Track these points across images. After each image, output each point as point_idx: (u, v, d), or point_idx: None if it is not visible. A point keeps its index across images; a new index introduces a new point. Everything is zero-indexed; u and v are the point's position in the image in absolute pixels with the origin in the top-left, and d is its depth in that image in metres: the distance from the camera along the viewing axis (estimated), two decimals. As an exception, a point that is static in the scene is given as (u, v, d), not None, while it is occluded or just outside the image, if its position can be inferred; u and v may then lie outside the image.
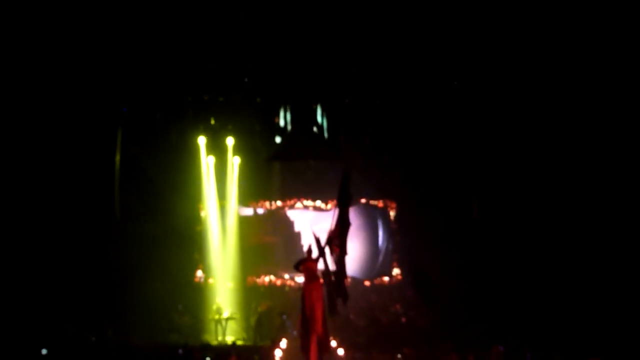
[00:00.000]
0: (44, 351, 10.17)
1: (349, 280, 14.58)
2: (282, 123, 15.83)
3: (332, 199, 20.02)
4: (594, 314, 11.69)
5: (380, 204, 20.26)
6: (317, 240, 10.22)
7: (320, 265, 10.14)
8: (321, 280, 9.89)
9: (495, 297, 14.52)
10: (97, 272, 13.47)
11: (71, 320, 12.61)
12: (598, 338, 10.49)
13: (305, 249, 10.65)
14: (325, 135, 15.30)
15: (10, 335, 10.11)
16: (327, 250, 9.96)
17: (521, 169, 13.75)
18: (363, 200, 20.19)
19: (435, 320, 15.48)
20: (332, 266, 10.17)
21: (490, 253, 14.89)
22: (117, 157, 12.86)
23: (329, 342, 10.06)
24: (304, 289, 10.06)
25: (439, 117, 15.55)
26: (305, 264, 10.07)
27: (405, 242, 19.50)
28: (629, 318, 10.94)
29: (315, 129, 15.40)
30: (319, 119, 15.52)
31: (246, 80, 14.10)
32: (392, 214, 20.16)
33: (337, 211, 10.21)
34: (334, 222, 10.08)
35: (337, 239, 9.86)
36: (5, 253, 10.78)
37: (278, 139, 16.35)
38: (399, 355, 9.42)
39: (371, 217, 20.27)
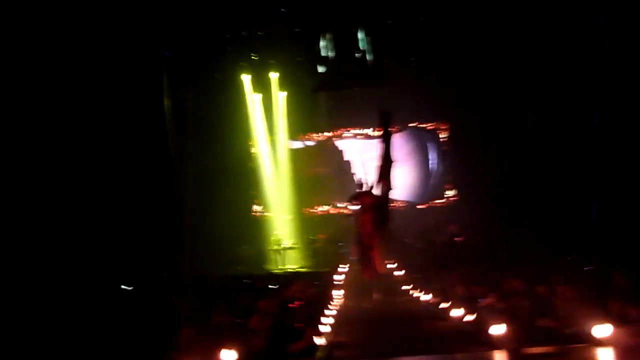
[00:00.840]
0: (125, 287, 11.04)
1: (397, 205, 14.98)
2: (323, 52, 15.44)
3: (380, 125, 19.85)
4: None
5: (430, 126, 19.89)
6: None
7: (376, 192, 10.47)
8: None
9: (554, 213, 14.20)
10: (162, 212, 14.13)
11: (145, 259, 13.48)
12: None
13: (356, 180, 10.92)
14: (369, 60, 14.83)
15: (91, 274, 10.95)
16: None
17: (578, 76, 12.89)
18: (413, 124, 19.88)
19: (489, 241, 15.47)
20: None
21: (548, 165, 14.36)
22: (166, 102, 13.10)
23: (384, 263, 10.83)
24: (358, 219, 10.81)
25: (486, 30, 14.63)
26: (359, 197, 10.74)
27: (456, 163, 19.24)
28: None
29: (358, 54, 14.94)
30: (361, 43, 15.01)
31: (283, 10, 13.68)
32: (442, 135, 19.80)
33: (381, 147, 10.13)
34: (379, 160, 10.57)
35: (384, 175, 10.38)
36: (76, 197, 11.43)
37: (321, 69, 16.05)
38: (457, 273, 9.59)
39: (422, 141, 20.00)
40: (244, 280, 11.12)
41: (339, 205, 19.60)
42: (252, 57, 16.08)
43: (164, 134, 13.23)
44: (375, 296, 10.72)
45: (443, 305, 8.48)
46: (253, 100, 17.62)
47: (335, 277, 12.66)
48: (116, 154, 12.15)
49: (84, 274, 10.24)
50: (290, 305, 7.94)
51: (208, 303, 8.51)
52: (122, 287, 10.89)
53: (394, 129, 10.59)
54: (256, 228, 18.41)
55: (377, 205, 10.56)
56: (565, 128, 13.40)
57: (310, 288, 10.43)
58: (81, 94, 11.18)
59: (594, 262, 8.37)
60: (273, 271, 15.58)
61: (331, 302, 10.03)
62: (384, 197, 10.71)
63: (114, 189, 12.45)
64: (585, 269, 7.70)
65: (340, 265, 14.65)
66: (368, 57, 14.99)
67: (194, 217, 15.34)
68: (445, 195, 19.47)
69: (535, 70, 13.76)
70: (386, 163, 10.74)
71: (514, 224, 14.95)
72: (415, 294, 10.60)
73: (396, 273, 13.43)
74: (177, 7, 12.52)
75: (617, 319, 4.53)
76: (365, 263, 10.63)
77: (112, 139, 11.95)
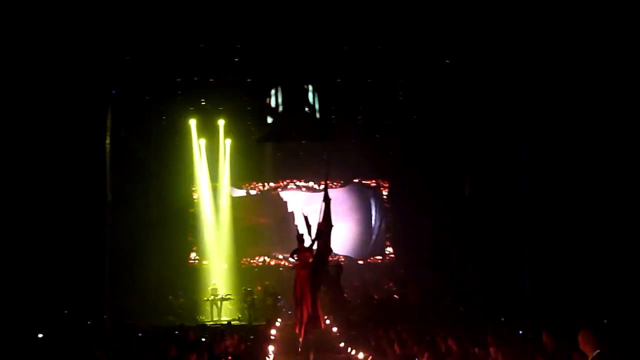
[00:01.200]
0: (40, 335, 10.22)
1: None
2: (273, 104, 15.67)
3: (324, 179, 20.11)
4: (587, 290, 11.80)
5: (372, 183, 20.36)
6: (306, 219, 11.00)
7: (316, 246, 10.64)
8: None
9: (487, 273, 14.68)
10: (91, 256, 13.43)
11: (67, 305, 12.62)
12: (593, 311, 10.63)
13: (297, 235, 11.22)
14: (317, 115, 15.19)
15: (7, 320, 10.10)
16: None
17: (513, 145, 13.77)
18: (356, 180, 20.29)
19: (426, 298, 15.69)
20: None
21: (482, 230, 15.00)
22: (107, 140, 12.69)
23: (321, 319, 10.69)
24: (297, 273, 10.85)
25: (431, 95, 15.50)
26: (299, 252, 10.82)
27: (397, 221, 19.67)
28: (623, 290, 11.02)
29: (307, 109, 15.28)
30: (311, 99, 15.40)
31: (236, 60, 13.87)
32: (384, 193, 20.29)
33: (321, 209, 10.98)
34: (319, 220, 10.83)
35: (322, 236, 10.59)
36: (6, 243, 10.71)
37: (270, 120, 16.23)
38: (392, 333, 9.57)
39: (364, 197, 20.39)
40: (175, 332, 10.56)
41: (279, 256, 19.35)
42: (202, 103, 16.04)
43: (102, 173, 12.72)
44: (311, 356, 10.39)
45: (379, 363, 8.37)
46: (199, 145, 17.43)
47: (271, 331, 12.28)
48: (48, 190, 11.55)
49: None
50: (221, 359, 7.60)
51: (132, 354, 7.99)
52: (39, 335, 10.08)
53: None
54: (192, 277, 17.75)
55: (316, 262, 10.70)
56: (499, 192, 14.13)
57: (244, 342, 10.06)
58: (18, 124, 10.69)
59: (525, 323, 8.62)
60: (206, 323, 14.93)
61: (265, 358, 9.66)
62: (324, 255, 10.85)
63: (40, 228, 11.75)
64: (519, 331, 7.91)
65: (278, 320, 14.27)
66: (316, 112, 15.35)
67: (126, 263, 14.65)
68: (385, 252, 19.70)
69: (472, 135, 14.55)
70: (326, 224, 10.79)
71: (451, 283, 15.29)
72: (352, 351, 10.42)
73: (333, 329, 13.22)
74: (129, 45, 12.40)
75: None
76: (298, 317, 10.55)
77: (43, 174, 11.39)
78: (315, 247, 10.71)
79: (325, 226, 10.79)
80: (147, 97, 15.19)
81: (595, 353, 4.36)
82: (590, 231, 11.84)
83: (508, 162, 13.83)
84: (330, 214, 10.98)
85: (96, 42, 11.86)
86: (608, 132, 11.39)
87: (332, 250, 11.23)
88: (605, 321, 8.22)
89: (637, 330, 6.83)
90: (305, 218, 11.03)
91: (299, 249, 10.85)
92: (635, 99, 10.91)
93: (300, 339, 10.54)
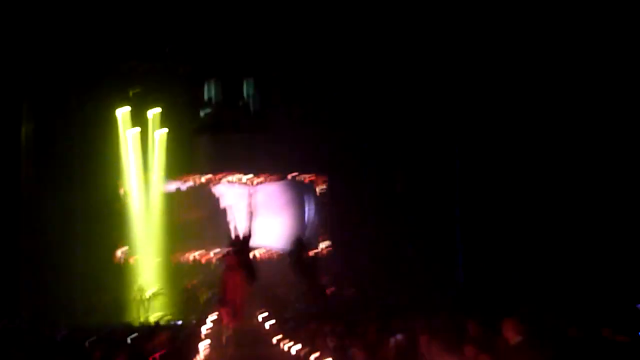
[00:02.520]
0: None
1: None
2: (206, 96, 15.29)
3: (259, 173, 19.91)
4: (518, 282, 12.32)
5: (308, 178, 20.38)
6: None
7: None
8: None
9: (420, 268, 15.14)
10: (5, 255, 12.54)
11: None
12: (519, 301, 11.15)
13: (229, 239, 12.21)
14: (252, 107, 14.98)
15: None
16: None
17: (445, 140, 14.24)
18: (292, 175, 20.23)
19: (361, 292, 15.95)
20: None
21: (415, 225, 15.44)
22: (24, 130, 11.82)
23: (243, 315, 11.70)
24: (224, 275, 11.72)
25: (366, 87, 15.66)
26: (226, 257, 12.08)
27: (331, 216, 19.83)
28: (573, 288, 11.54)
29: (241, 101, 15.04)
30: (246, 91, 15.16)
31: (167, 50, 13.36)
32: (320, 188, 20.37)
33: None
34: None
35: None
36: None
37: (203, 112, 15.81)
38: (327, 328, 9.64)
39: (300, 192, 20.36)
40: (98, 333, 10.04)
41: (212, 252, 18.94)
42: (131, 92, 15.33)
43: (16, 165, 11.83)
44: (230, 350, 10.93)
45: (313, 356, 8.39)
46: (127, 136, 16.64)
47: (203, 327, 11.99)
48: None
49: None
50: (149, 358, 7.32)
51: (52, 357, 7.53)
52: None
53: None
54: (118, 275, 16.97)
55: (242, 265, 11.54)
56: (432, 186, 14.56)
57: (174, 340, 9.76)
58: None
59: (454, 314, 8.94)
60: (134, 322, 14.34)
61: (197, 355, 9.41)
62: (248, 259, 12.00)
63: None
64: (447, 321, 8.17)
65: (210, 315, 13.96)
66: (252, 104, 15.13)
67: (44, 261, 13.80)
68: (319, 247, 19.80)
69: (406, 128, 14.85)
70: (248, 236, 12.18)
71: (386, 276, 15.62)
72: (286, 345, 10.39)
73: (267, 324, 13.13)
74: (54, 30, 11.61)
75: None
76: (225, 310, 11.28)
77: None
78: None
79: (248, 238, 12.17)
80: (74, 85, 14.29)
81: (517, 340, 4.57)
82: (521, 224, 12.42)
83: (440, 156, 14.28)
84: (251, 226, 12.41)
85: (13, 24, 11.02)
86: (539, 124, 11.93)
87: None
88: (525, 310, 8.67)
89: (558, 318, 7.26)
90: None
91: (227, 253, 12.09)
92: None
93: (226, 334, 11.08)
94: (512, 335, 4.61)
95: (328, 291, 16.33)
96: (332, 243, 19.70)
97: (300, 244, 15.61)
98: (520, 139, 12.18)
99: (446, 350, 5.20)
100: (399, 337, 6.47)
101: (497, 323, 5.61)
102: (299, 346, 9.52)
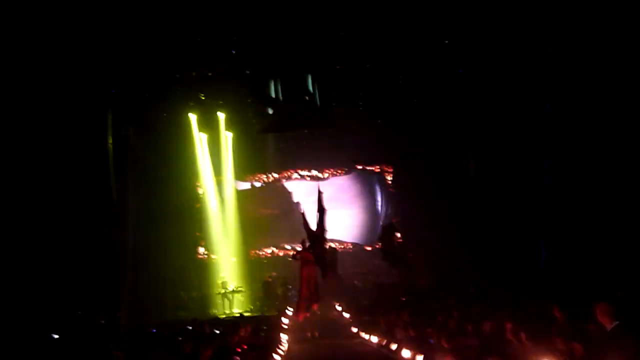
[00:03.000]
0: (55, 336, 10.29)
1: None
2: (273, 94, 15.59)
3: (328, 167, 20.11)
4: (587, 267, 11.80)
5: (376, 169, 20.31)
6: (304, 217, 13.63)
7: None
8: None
9: (491, 254, 14.67)
10: (99, 255, 13.51)
11: (81, 304, 12.72)
12: (597, 287, 10.65)
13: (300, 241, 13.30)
14: (318, 103, 15.11)
15: (22, 320, 10.19)
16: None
17: (516, 125, 13.67)
18: (359, 167, 20.25)
19: (434, 281, 15.72)
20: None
21: (488, 210, 14.96)
22: (110, 140, 12.68)
23: (318, 301, 12.83)
24: (301, 270, 12.92)
25: (431, 77, 15.37)
26: (301, 253, 12.96)
27: (403, 205, 19.63)
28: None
29: (306, 97, 15.20)
30: (310, 87, 15.31)
31: (233, 52, 13.77)
32: (389, 178, 20.24)
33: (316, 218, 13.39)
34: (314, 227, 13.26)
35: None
36: (15, 245, 10.76)
37: (270, 110, 16.16)
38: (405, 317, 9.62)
39: (369, 183, 20.35)
40: (187, 327, 10.62)
41: (286, 247, 19.39)
42: (201, 97, 15.99)
43: (106, 173, 12.74)
44: (313, 334, 12.24)
45: (392, 346, 8.42)
46: (200, 139, 17.40)
47: (283, 320, 12.36)
48: (56, 192, 11.58)
49: (11, 321, 9.47)
50: (237, 350, 7.65)
51: (147, 351, 8.04)
52: (53, 335, 10.14)
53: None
54: (201, 271, 17.83)
55: (316, 260, 12.81)
56: (508, 173, 14.01)
57: (257, 332, 10.13)
58: (24, 129, 10.69)
59: (539, 300, 8.63)
60: (219, 316, 15.02)
61: (279, 347, 9.73)
62: (322, 254, 13.17)
63: (51, 230, 11.81)
64: (531, 307, 7.92)
65: (288, 308, 14.35)
66: (316, 100, 15.27)
67: (135, 261, 14.73)
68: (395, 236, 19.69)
69: (479, 115, 14.39)
70: (321, 231, 13.33)
71: (461, 265, 15.28)
72: (365, 335, 10.49)
73: (345, 315, 13.30)
74: (126, 43, 12.34)
75: (563, 356, 4.65)
76: (300, 307, 12.58)
77: (51, 177, 11.42)
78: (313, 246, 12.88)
79: (321, 232, 13.15)
80: (146, 95, 15.14)
81: (613, 324, 4.38)
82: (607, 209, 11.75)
83: (515, 139, 13.69)
84: (324, 221, 13.39)
85: (92, 42, 11.81)
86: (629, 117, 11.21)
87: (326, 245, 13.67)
88: (619, 294, 8.23)
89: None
90: (304, 217, 13.62)
91: (301, 250, 13.06)
92: None
93: (300, 321, 12.50)
94: (607, 320, 4.41)
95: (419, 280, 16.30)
96: (405, 232, 19.56)
97: (390, 229, 16.08)
98: (615, 123, 11.44)
99: (535, 339, 5.07)
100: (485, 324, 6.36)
101: (583, 309, 5.40)
102: (378, 337, 9.60)
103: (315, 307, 12.73)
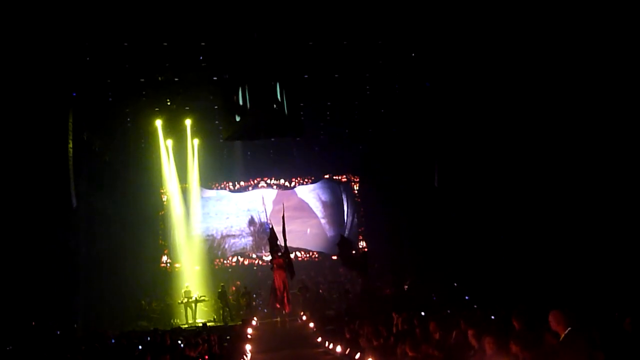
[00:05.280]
0: (8, 348, 9.88)
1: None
2: (240, 101, 15.48)
3: (295, 176, 20.10)
4: (548, 278, 12.16)
5: (343, 178, 20.44)
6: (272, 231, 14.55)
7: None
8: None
9: (456, 264, 14.93)
10: (58, 263, 13.06)
11: (36, 315, 12.24)
12: (556, 293, 10.96)
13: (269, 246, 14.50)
14: (286, 112, 15.11)
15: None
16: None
17: (481, 136, 14.01)
18: (327, 176, 20.33)
19: (401, 290, 15.84)
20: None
21: (452, 221, 15.24)
22: (70, 144, 12.27)
23: (290, 305, 14.15)
24: (274, 273, 14.19)
25: (398, 88, 15.61)
26: (274, 260, 14.33)
27: (369, 215, 19.80)
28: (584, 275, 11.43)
29: (275, 106, 15.18)
30: (278, 95, 15.29)
31: (201, 59, 13.63)
32: (355, 188, 20.39)
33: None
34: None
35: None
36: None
37: (237, 118, 16.04)
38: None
39: (335, 193, 20.44)
40: (147, 337, 10.36)
41: (252, 255, 19.23)
42: (167, 103, 15.73)
43: (65, 178, 12.31)
44: (279, 320, 13.98)
45: (356, 356, 8.41)
46: (166, 146, 17.09)
47: (248, 330, 12.21)
48: (10, 196, 11.14)
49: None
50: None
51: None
52: (6, 347, 9.73)
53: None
54: (164, 280, 17.47)
55: (285, 264, 14.10)
56: (472, 184, 14.32)
57: (220, 342, 9.96)
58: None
59: (495, 309, 8.81)
60: (181, 326, 14.71)
61: (243, 357, 9.60)
62: (288, 260, 14.37)
63: (5, 235, 11.34)
64: (492, 317, 8.07)
65: (254, 319, 14.20)
66: (284, 108, 15.26)
67: (94, 269, 14.31)
68: (358, 247, 19.81)
69: (445, 128, 14.68)
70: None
71: (424, 274, 15.48)
72: (330, 345, 10.46)
73: (310, 325, 13.24)
74: (90, 43, 12.04)
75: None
76: (275, 299, 13.99)
77: (6, 179, 10.98)
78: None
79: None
80: (110, 99, 14.81)
81: (567, 330, 4.50)
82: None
83: (477, 150, 14.04)
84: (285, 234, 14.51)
85: (54, 42, 11.47)
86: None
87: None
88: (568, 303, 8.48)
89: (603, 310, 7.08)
90: (272, 230, 14.58)
91: (273, 257, 14.45)
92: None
93: (277, 307, 14.00)
94: (561, 328, 4.54)
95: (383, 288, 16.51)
96: (370, 242, 19.70)
97: (345, 243, 16.55)
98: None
99: (496, 347, 5.15)
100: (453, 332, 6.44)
101: (540, 317, 5.54)
102: (343, 347, 9.58)
103: (287, 305, 13.98)
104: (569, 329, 4.50)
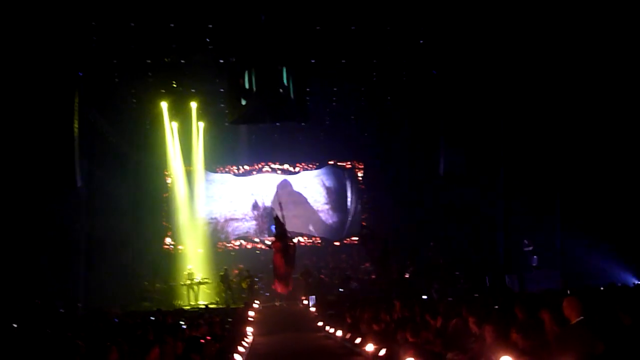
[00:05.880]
0: (14, 325, 9.97)
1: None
2: (247, 85, 15.41)
3: (299, 162, 20.08)
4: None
5: (347, 165, 20.40)
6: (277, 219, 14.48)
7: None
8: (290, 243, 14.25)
9: (460, 253, 14.94)
10: (62, 243, 13.13)
11: (40, 294, 12.34)
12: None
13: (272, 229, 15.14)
14: (292, 96, 15.05)
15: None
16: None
17: (486, 125, 13.93)
18: (331, 162, 20.30)
19: (402, 277, 15.87)
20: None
21: (456, 209, 15.21)
22: (76, 124, 12.26)
23: (290, 287, 14.29)
24: (274, 256, 14.18)
25: (405, 76, 15.50)
26: (274, 243, 14.34)
27: (372, 202, 19.78)
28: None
29: (281, 90, 15.11)
30: (285, 80, 15.21)
31: (208, 41, 13.55)
32: (359, 174, 20.36)
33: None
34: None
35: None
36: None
37: (243, 102, 15.98)
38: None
39: (339, 179, 20.42)
40: (150, 317, 10.45)
41: (255, 239, 19.30)
42: (173, 85, 15.68)
43: (70, 158, 12.33)
44: (278, 303, 14.68)
45: (356, 340, 8.48)
46: (171, 128, 17.08)
47: (249, 313, 12.30)
48: (14, 176, 11.17)
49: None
50: (200, 341, 7.54)
51: (108, 340, 7.87)
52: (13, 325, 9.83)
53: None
54: (168, 262, 17.57)
55: (285, 247, 14.08)
56: (476, 174, 14.30)
57: (222, 324, 10.04)
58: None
59: (500, 299, 8.83)
60: (184, 307, 14.84)
61: (244, 339, 9.68)
62: (286, 243, 14.26)
63: (7, 216, 11.39)
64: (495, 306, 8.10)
65: (255, 301, 14.29)
66: (290, 93, 15.20)
67: (99, 249, 14.38)
68: (360, 233, 19.84)
69: (450, 116, 14.61)
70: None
71: (426, 263, 15.49)
72: (330, 329, 10.53)
73: (311, 309, 13.33)
74: (96, 25, 11.97)
75: (518, 351, 4.77)
76: (277, 281, 14.13)
77: (11, 159, 11.01)
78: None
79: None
80: (116, 79, 14.77)
81: (578, 319, 4.51)
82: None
83: (486, 139, 13.99)
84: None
85: (61, 22, 11.42)
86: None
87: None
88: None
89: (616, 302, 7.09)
90: (276, 218, 14.45)
91: (273, 240, 14.56)
92: None
93: (278, 292, 14.37)
94: (573, 314, 4.56)
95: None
96: (373, 229, 19.71)
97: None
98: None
99: (496, 335, 5.17)
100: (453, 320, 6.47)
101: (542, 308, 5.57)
102: (343, 331, 9.65)
103: (290, 287, 14.16)
104: (581, 317, 4.53)
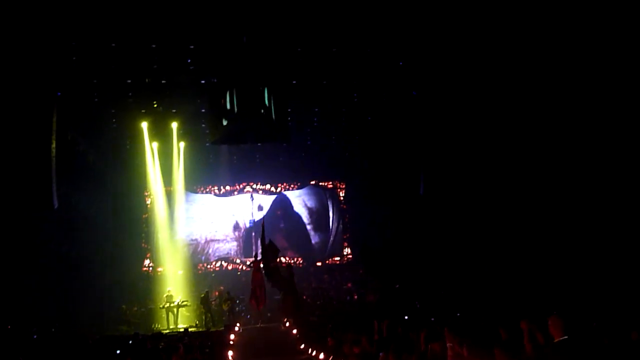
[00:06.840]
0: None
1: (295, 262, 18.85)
2: (228, 105, 15.42)
3: (281, 182, 20.06)
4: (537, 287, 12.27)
5: (329, 185, 20.45)
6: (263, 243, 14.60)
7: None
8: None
9: (442, 273, 14.98)
10: (38, 265, 12.81)
11: (12, 319, 11.97)
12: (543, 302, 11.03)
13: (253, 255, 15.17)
14: (273, 117, 15.11)
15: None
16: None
17: (466, 145, 14.12)
18: (312, 182, 20.32)
19: (384, 297, 15.84)
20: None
21: (437, 229, 15.30)
22: (53, 144, 12.08)
23: (265, 303, 14.73)
24: (252, 274, 14.66)
25: (385, 96, 15.69)
26: (254, 264, 14.85)
27: (354, 222, 19.80)
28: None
29: (262, 111, 15.15)
30: (266, 100, 15.27)
31: (189, 61, 13.57)
32: (341, 194, 20.41)
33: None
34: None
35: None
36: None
37: (225, 122, 15.97)
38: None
39: (321, 199, 20.44)
40: (129, 342, 10.21)
41: (236, 260, 19.10)
42: (154, 105, 15.60)
43: (47, 178, 12.11)
44: (259, 325, 14.48)
45: (339, 363, 8.37)
46: (151, 148, 16.92)
47: (230, 336, 12.09)
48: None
49: None
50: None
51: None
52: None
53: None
54: (146, 284, 17.24)
55: (264, 268, 14.38)
56: (457, 194, 14.42)
57: (202, 348, 9.84)
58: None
59: (481, 319, 8.84)
60: (162, 331, 14.52)
61: (224, 363, 9.49)
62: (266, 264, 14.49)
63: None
64: (474, 326, 8.09)
65: (236, 325, 14.07)
66: (272, 113, 15.24)
67: (75, 272, 14.07)
68: (343, 253, 19.81)
69: (431, 136, 14.77)
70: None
71: (408, 282, 15.50)
72: (313, 352, 10.39)
73: (293, 331, 13.15)
74: (77, 44, 11.90)
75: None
76: (254, 299, 14.54)
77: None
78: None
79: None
80: (96, 99, 14.63)
81: (562, 338, 4.52)
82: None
83: (462, 160, 14.15)
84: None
85: (40, 41, 11.32)
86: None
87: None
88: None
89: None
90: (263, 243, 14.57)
91: (253, 261, 15.01)
92: None
93: (255, 309, 14.74)
94: (557, 333, 4.57)
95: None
96: (355, 249, 19.69)
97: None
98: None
99: (479, 354, 5.16)
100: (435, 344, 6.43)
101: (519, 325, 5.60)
102: (324, 353, 9.53)
103: (261, 305, 14.64)
104: (565, 337, 4.54)
